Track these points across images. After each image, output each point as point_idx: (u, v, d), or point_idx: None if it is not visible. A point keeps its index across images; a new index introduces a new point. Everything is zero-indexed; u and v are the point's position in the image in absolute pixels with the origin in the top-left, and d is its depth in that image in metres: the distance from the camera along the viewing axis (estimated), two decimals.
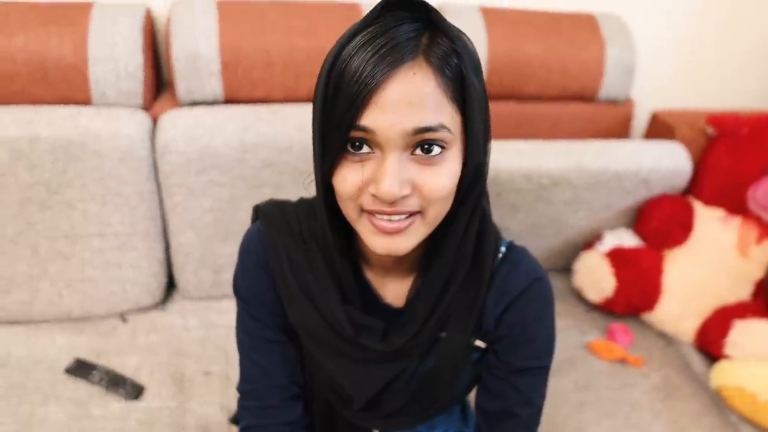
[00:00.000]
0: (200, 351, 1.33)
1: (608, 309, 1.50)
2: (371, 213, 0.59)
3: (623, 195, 1.49)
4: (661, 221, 1.47)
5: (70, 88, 1.28)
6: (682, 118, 1.58)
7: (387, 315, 0.72)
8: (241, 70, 1.34)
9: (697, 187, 1.53)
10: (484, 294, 0.70)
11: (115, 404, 1.18)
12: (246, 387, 0.79)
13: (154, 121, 1.33)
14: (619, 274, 1.45)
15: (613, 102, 1.61)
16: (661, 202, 1.49)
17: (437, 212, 0.60)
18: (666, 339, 1.52)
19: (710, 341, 1.38)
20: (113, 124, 1.26)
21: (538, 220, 1.49)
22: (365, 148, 0.57)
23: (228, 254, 1.39)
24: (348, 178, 0.58)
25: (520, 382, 0.75)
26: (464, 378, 0.77)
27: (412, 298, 0.70)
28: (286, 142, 1.31)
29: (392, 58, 0.53)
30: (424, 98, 0.54)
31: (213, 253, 1.39)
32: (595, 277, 1.48)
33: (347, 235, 0.68)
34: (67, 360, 1.26)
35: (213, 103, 1.37)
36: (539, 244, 1.56)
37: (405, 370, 0.73)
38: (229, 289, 1.51)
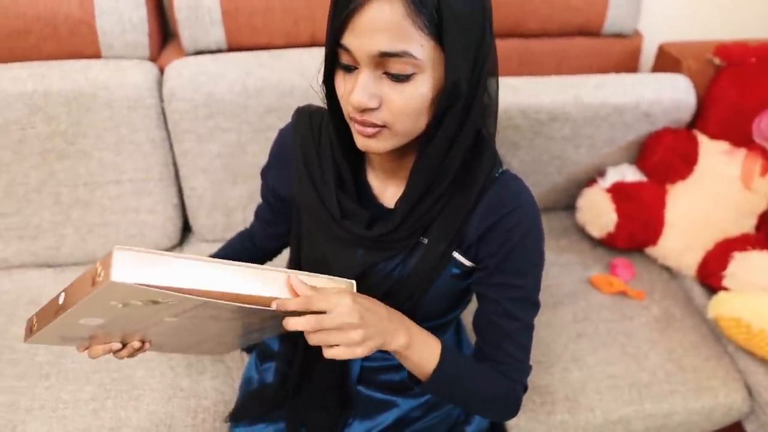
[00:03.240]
0: None
1: (611, 244, 1.53)
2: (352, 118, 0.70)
3: (625, 129, 1.49)
4: (664, 155, 1.47)
5: (79, 43, 1.33)
6: (689, 49, 1.55)
7: (379, 212, 0.83)
8: (241, 17, 1.37)
9: (702, 119, 1.51)
10: (468, 208, 0.78)
11: None
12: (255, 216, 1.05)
13: (162, 71, 1.38)
14: (620, 209, 1.46)
15: (619, 35, 1.58)
16: (663, 135, 1.48)
17: (404, 127, 0.69)
18: (669, 273, 1.54)
19: (710, 273, 1.40)
20: (121, 75, 1.32)
21: (540, 156, 1.50)
22: (350, 64, 0.67)
23: (238, 197, 1.46)
24: (340, 86, 0.70)
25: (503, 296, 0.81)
26: (441, 288, 0.84)
27: (399, 199, 0.79)
28: (287, 86, 1.34)
29: None
30: (390, 27, 0.62)
31: (224, 196, 1.45)
32: (597, 212, 1.50)
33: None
34: None
35: (217, 51, 1.41)
36: (543, 181, 1.58)
37: (386, 264, 0.83)
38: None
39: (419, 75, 0.65)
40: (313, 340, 0.69)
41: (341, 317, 0.67)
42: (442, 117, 0.69)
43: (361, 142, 0.71)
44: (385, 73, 0.65)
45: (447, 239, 0.79)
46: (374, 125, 0.68)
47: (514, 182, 0.80)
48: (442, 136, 0.70)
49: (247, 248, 1.06)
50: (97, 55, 1.35)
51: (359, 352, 0.69)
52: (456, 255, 0.81)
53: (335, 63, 0.69)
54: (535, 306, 0.83)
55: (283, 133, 0.92)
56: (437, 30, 0.63)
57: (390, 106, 0.66)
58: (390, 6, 0.61)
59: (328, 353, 0.69)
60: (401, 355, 0.77)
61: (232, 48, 1.41)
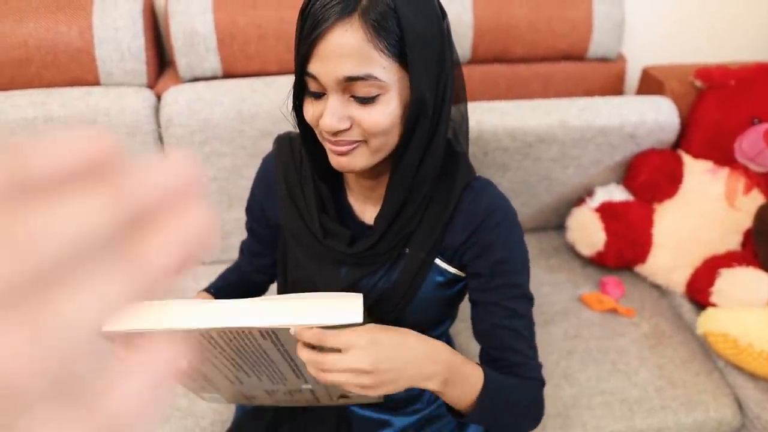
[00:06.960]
0: None
1: (601, 262, 1.55)
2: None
3: (611, 150, 1.52)
4: (650, 175, 1.50)
5: (79, 71, 1.37)
6: (672, 72, 1.60)
7: (361, 230, 0.86)
8: (236, 44, 1.41)
9: (686, 140, 1.55)
10: (446, 217, 0.81)
11: None
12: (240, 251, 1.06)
13: (159, 97, 1.42)
14: (609, 228, 1.49)
15: (603, 59, 1.63)
16: (648, 156, 1.51)
17: (380, 143, 0.71)
18: (659, 290, 1.56)
19: (698, 290, 1.42)
20: (120, 102, 1.36)
21: (529, 177, 1.54)
22: (319, 91, 0.70)
23: (233, 220, 1.49)
24: (309, 111, 0.72)
25: (501, 298, 0.83)
26: (425, 297, 0.85)
27: (377, 216, 0.81)
28: (280, 112, 1.38)
29: (329, 16, 0.65)
30: (353, 52, 0.65)
31: (219, 219, 1.48)
32: (586, 232, 1.52)
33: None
34: None
35: (212, 78, 1.45)
36: (532, 202, 1.61)
37: (371, 278, 0.84)
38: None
39: (384, 95, 0.68)
40: (322, 377, 0.68)
41: (350, 361, 0.66)
42: (411, 132, 0.71)
43: (336, 161, 0.73)
44: (352, 96, 0.68)
45: (427, 246, 0.82)
46: (352, 142, 0.70)
47: (487, 186, 0.84)
48: (414, 151, 0.73)
49: (239, 278, 1.06)
50: (96, 83, 1.39)
51: (372, 394, 0.69)
52: (438, 262, 0.84)
53: (304, 90, 0.71)
54: (531, 301, 0.85)
55: (266, 161, 0.95)
56: (399, 51, 0.67)
57: (361, 126, 0.69)
58: (351, 32, 0.64)
59: (343, 390, 0.70)
60: (438, 393, 0.75)
61: (226, 75, 1.45)
